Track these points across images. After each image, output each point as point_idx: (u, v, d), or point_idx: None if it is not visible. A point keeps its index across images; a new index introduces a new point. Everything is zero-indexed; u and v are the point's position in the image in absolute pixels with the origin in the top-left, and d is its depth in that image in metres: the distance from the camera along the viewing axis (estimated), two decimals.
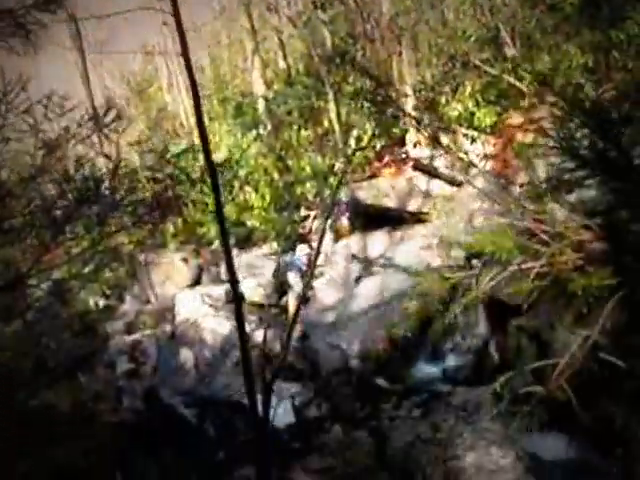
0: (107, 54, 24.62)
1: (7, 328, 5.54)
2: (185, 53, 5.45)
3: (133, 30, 26.69)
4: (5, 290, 4.45)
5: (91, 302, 14.21)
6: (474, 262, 9.09)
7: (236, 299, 5.79)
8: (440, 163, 13.89)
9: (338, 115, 16.57)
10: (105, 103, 3.92)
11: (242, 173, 16.07)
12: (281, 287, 13.55)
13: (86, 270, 5.56)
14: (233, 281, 5.81)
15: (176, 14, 5.33)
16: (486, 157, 13.02)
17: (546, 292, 5.72)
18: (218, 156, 17.43)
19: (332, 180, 15.19)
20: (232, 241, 13.76)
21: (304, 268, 12.26)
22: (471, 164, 12.51)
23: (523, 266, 5.62)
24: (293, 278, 12.43)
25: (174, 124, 23.86)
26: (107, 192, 3.97)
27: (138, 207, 4.24)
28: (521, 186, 8.05)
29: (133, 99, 27.34)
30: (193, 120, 21.64)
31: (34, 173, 4.05)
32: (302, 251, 12.88)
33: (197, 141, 19.34)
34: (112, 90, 27.38)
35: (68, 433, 4.49)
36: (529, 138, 9.13)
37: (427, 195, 13.71)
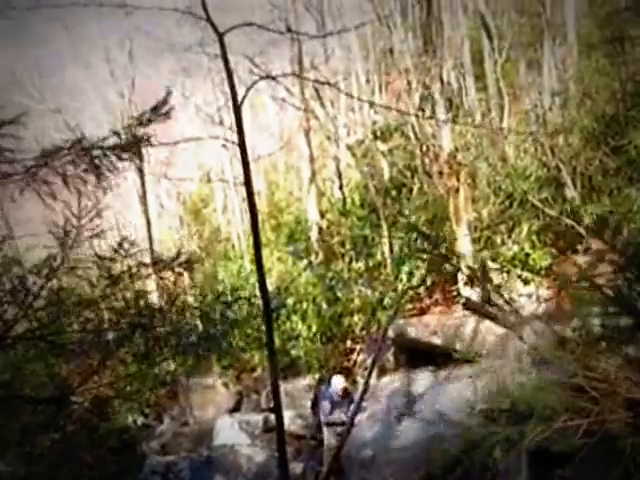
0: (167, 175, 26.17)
1: (45, 439, 6.02)
2: (248, 182, 6.03)
3: (193, 150, 28.62)
4: (49, 403, 4.81)
5: (129, 419, 14.83)
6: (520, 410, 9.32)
7: (279, 428, 6.22)
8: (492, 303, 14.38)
9: (391, 248, 17.17)
10: (177, 247, 4.49)
11: (290, 301, 16.79)
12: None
13: (129, 389, 6.11)
14: (278, 409, 6.22)
15: (241, 144, 5.92)
16: (539, 300, 13.47)
17: (593, 447, 5.93)
18: (269, 281, 18.33)
19: (380, 314, 15.84)
20: None
21: (338, 400, 12.69)
22: (522, 307, 13.05)
23: (570, 423, 5.83)
24: (326, 409, 12.82)
25: (226, 246, 24.98)
26: (159, 322, 4.60)
27: (188, 337, 4.87)
28: (573, 331, 8.44)
29: (187, 218, 28.91)
30: (246, 244, 22.88)
31: (94, 298, 4.45)
32: (338, 382, 13.30)
33: (248, 265, 20.44)
34: (167, 208, 29.10)
35: None
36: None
37: (476, 335, 14.13)
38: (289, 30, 17.18)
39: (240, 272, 20.07)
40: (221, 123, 22.91)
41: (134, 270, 4.29)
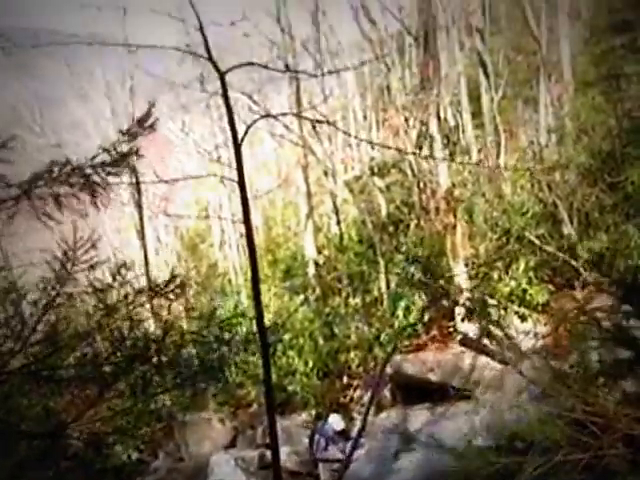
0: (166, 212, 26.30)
1: (40, 475, 5.96)
2: (247, 221, 6.03)
3: (191, 186, 28.84)
4: (43, 438, 4.74)
5: (124, 455, 14.74)
6: (519, 445, 9.32)
7: (276, 465, 6.17)
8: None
9: (388, 284, 17.21)
10: (169, 272, 4.53)
11: (287, 337, 16.80)
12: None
13: (125, 424, 6.10)
14: (275, 446, 6.17)
15: (241, 182, 5.92)
16: (536, 336, 13.50)
17: None
18: (265, 318, 18.35)
19: (377, 350, 15.85)
20: None
21: (333, 436, 12.72)
22: (520, 343, 13.08)
23: (570, 457, 5.76)
24: (321, 446, 12.83)
25: (223, 281, 25.02)
26: (155, 354, 4.63)
27: (183, 370, 4.82)
28: (571, 367, 8.46)
29: (184, 253, 29.01)
30: (242, 279, 22.92)
31: (90, 330, 4.40)
32: (335, 422, 13.35)
33: (245, 300, 20.49)
34: (164, 243, 29.19)
35: None
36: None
37: (473, 371, 14.15)
38: (287, 69, 17.42)
39: (237, 307, 20.10)
40: (219, 160, 23.10)
41: (130, 298, 4.32)
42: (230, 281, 24.01)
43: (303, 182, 20.20)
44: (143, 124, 3.58)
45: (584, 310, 9.69)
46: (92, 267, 4.00)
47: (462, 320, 14.84)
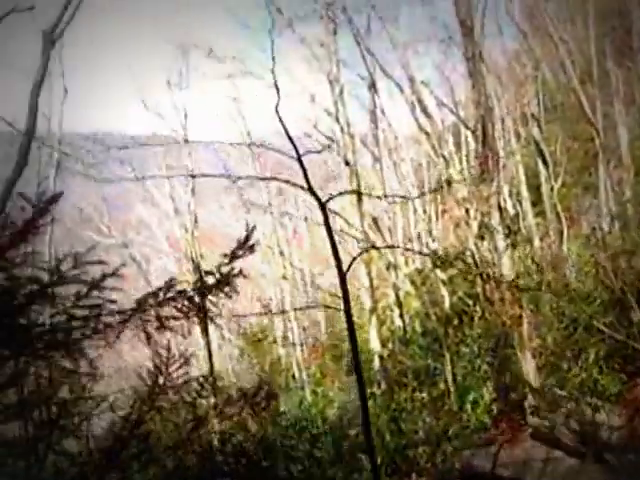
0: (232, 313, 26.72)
1: None
2: (355, 352, 6.00)
3: (254, 282, 29.32)
4: None
5: None
6: None
7: None
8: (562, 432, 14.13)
9: (454, 378, 17.12)
10: (257, 383, 4.54)
11: (352, 432, 16.71)
12: None
13: None
14: None
15: (347, 310, 5.88)
16: (611, 429, 13.22)
17: None
18: (330, 412, 18.35)
19: (445, 445, 15.60)
20: None
21: None
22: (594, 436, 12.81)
23: None
24: None
25: (287, 376, 25.11)
26: (245, 468, 4.63)
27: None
28: None
29: (247, 348, 29.23)
30: (305, 373, 23.02)
31: (179, 444, 4.36)
32: None
33: (309, 396, 20.50)
34: (227, 338, 29.52)
35: None
36: None
37: (546, 466, 13.81)
38: (347, 164, 17.95)
39: (301, 403, 20.10)
40: (281, 254, 23.59)
41: (219, 409, 4.41)
42: (294, 376, 24.09)
43: (366, 276, 20.37)
44: (244, 246, 3.81)
45: None
46: (185, 383, 4.08)
47: (532, 413, 14.61)
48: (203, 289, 3.76)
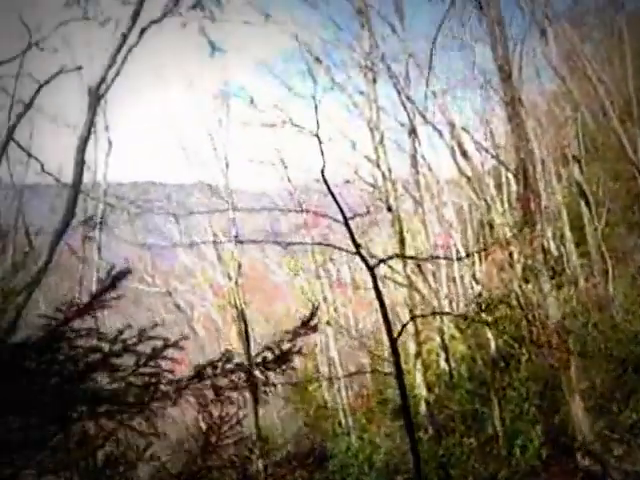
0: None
1: None
2: (406, 411, 6.04)
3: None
4: None
5: None
6: None
7: None
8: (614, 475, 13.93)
9: (502, 422, 16.99)
10: (310, 445, 4.57)
11: (399, 479, 16.69)
12: None
13: None
14: None
15: (399, 375, 5.83)
16: None
17: None
18: (377, 458, 18.32)
19: None
20: None
21: None
22: None
23: None
24: None
25: (334, 422, 25.06)
26: None
27: None
28: None
29: (293, 396, 29.26)
30: (351, 419, 23.01)
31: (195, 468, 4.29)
32: None
33: (355, 442, 20.47)
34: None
35: None
36: None
37: None
38: (389, 210, 18.16)
39: (348, 449, 20.08)
40: (325, 300, 23.76)
41: (270, 470, 4.49)
42: (340, 423, 24.05)
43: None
44: (307, 325, 3.96)
45: None
46: (236, 443, 4.06)
47: (583, 456, 14.44)
48: (264, 365, 3.82)
